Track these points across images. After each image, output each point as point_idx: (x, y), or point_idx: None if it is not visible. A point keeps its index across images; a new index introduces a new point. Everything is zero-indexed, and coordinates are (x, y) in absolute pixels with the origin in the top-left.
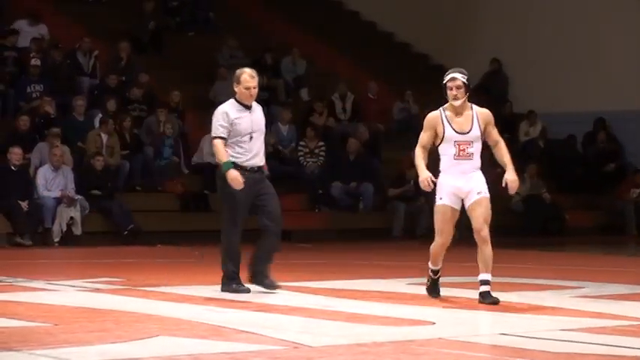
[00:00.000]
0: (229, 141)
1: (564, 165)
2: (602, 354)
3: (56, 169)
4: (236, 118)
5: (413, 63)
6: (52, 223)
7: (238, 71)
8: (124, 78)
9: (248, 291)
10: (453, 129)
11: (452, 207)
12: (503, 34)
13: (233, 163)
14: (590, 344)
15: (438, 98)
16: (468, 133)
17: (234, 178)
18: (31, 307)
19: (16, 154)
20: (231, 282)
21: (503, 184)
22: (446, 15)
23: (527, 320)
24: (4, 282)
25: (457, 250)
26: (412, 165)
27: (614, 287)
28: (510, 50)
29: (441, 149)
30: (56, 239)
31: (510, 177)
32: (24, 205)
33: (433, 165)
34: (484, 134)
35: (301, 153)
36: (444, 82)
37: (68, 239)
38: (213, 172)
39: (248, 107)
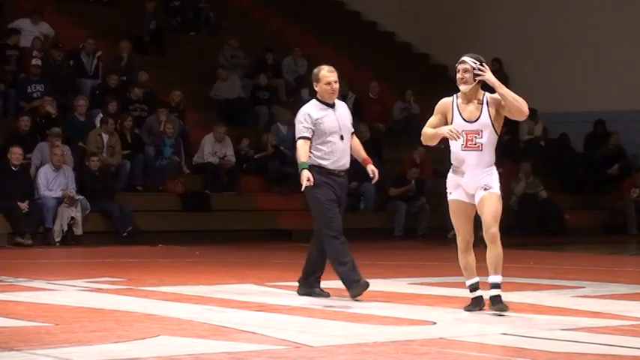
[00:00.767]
0: (316, 142)
1: (564, 165)
2: (602, 354)
3: (57, 168)
4: (319, 118)
5: (414, 63)
6: (53, 223)
7: (316, 70)
8: (124, 78)
9: (327, 295)
10: (462, 117)
11: (462, 200)
12: (504, 33)
13: (318, 166)
14: (590, 344)
15: (438, 98)
16: (476, 121)
17: (305, 178)
18: (32, 306)
19: (16, 153)
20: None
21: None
22: (447, 15)
23: (528, 320)
24: (5, 282)
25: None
26: (413, 164)
27: (614, 287)
28: (511, 50)
29: (451, 140)
30: (57, 239)
31: None
32: (24, 205)
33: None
34: (497, 116)
35: None
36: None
37: (69, 239)
38: (213, 172)
39: (331, 105)
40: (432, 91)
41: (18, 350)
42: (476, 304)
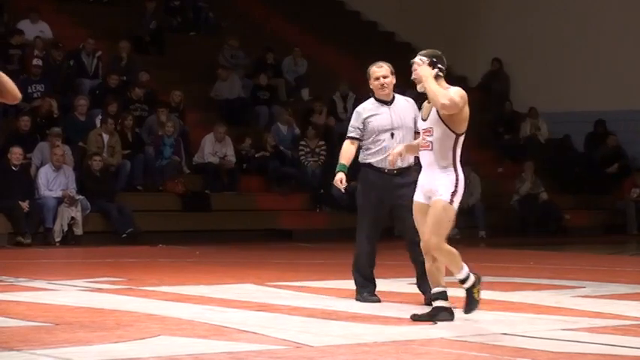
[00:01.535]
0: (366, 141)
1: (564, 164)
2: (602, 354)
3: (57, 168)
4: (369, 116)
5: None
6: (53, 222)
7: (369, 67)
8: (124, 78)
9: (378, 301)
10: (422, 116)
11: (419, 202)
12: (504, 33)
13: (368, 164)
14: (590, 344)
15: None
16: (427, 119)
17: (337, 180)
18: (32, 306)
19: (16, 153)
20: (362, 290)
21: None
22: (447, 15)
23: (528, 320)
24: (5, 282)
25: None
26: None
27: (614, 287)
28: (511, 50)
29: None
30: (57, 239)
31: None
32: (25, 205)
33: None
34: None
35: (302, 153)
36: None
37: (69, 239)
38: (213, 172)
39: (387, 102)
40: None
41: (18, 350)
42: (471, 301)
